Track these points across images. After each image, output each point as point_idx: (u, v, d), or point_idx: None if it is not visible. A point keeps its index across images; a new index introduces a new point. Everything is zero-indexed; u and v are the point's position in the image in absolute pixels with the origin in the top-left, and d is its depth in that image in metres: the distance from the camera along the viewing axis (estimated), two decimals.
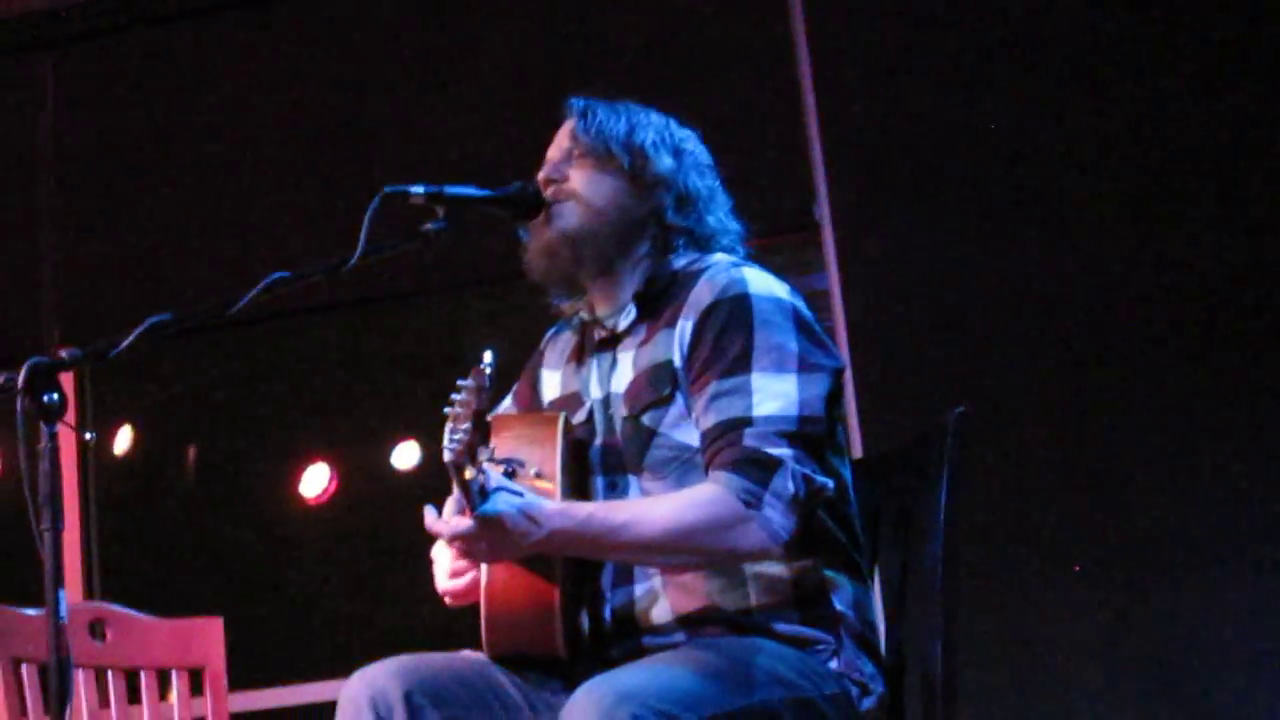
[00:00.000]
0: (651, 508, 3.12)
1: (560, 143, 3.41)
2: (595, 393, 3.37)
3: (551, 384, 3.49)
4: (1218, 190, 5.55)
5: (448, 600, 3.31)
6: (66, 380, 2.90)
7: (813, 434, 3.14)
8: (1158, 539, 5.36)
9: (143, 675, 4.07)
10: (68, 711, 2.75)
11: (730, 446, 3.11)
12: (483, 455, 2.86)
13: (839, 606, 3.24)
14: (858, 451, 5.37)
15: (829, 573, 3.24)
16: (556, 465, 3.19)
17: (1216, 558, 5.30)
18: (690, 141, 3.43)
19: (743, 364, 3.16)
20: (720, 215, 3.41)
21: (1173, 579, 5.32)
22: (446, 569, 3.30)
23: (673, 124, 3.44)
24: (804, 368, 3.17)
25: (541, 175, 3.37)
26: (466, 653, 3.30)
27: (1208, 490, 5.36)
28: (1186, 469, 5.39)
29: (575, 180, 3.35)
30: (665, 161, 3.35)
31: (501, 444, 3.11)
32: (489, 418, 2.87)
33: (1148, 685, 5.28)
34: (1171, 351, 5.47)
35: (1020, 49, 5.75)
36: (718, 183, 3.44)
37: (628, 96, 3.44)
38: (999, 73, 5.75)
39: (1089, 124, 5.65)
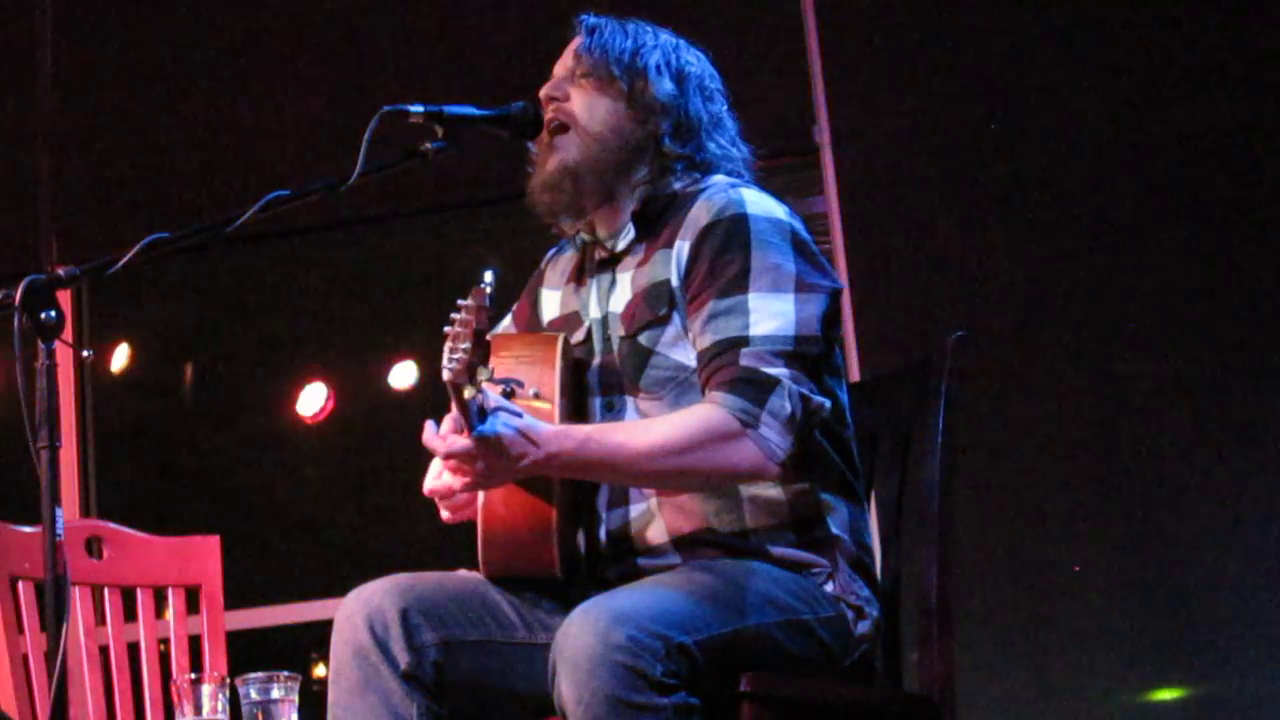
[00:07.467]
0: (648, 429, 3.12)
1: (565, 60, 3.39)
2: (594, 312, 3.36)
3: (551, 303, 3.48)
4: (1212, 99, 5.55)
5: (444, 517, 3.31)
6: (64, 297, 2.89)
7: (809, 354, 3.14)
8: (1159, 461, 5.37)
9: (139, 593, 4.07)
10: (64, 628, 2.76)
11: (727, 366, 3.11)
12: (482, 375, 2.86)
13: (835, 530, 3.25)
14: (856, 375, 5.37)
15: (825, 496, 3.25)
16: (555, 386, 3.18)
17: (1220, 481, 5.31)
18: (697, 65, 3.39)
19: (740, 284, 3.15)
20: (723, 141, 3.38)
21: (1177, 507, 5.33)
22: (432, 485, 3.28)
23: (682, 47, 3.40)
24: (801, 288, 3.16)
25: (543, 92, 3.36)
26: (463, 572, 3.30)
27: (1209, 409, 5.36)
28: (1187, 388, 5.39)
29: (575, 100, 3.33)
30: (666, 87, 3.33)
31: (500, 364, 3.10)
32: (488, 337, 2.87)
33: (1149, 605, 5.29)
34: (1173, 271, 5.47)
35: None
36: (724, 107, 3.41)
37: (633, 14, 3.42)
38: None
39: (1092, 43, 5.64)
